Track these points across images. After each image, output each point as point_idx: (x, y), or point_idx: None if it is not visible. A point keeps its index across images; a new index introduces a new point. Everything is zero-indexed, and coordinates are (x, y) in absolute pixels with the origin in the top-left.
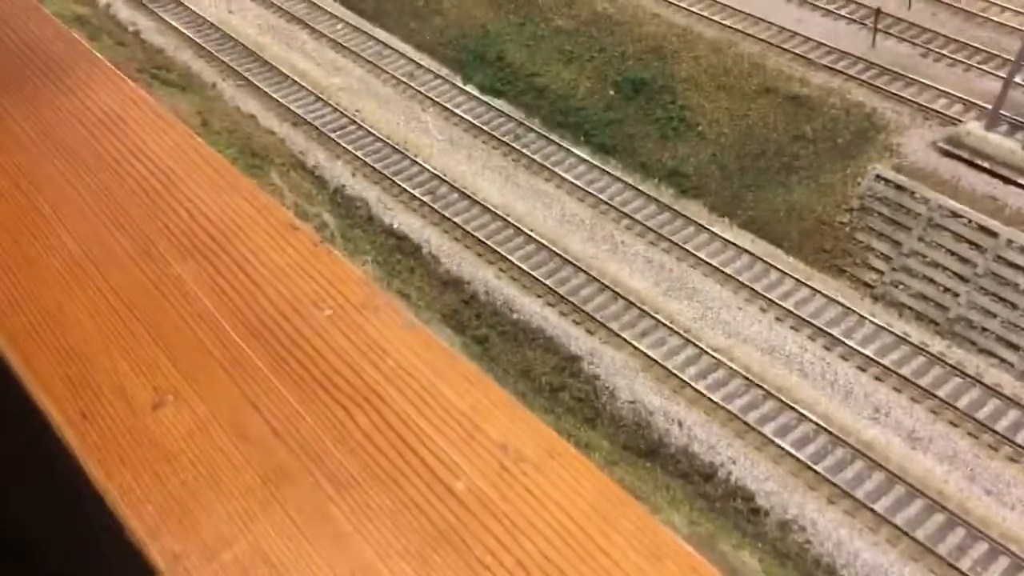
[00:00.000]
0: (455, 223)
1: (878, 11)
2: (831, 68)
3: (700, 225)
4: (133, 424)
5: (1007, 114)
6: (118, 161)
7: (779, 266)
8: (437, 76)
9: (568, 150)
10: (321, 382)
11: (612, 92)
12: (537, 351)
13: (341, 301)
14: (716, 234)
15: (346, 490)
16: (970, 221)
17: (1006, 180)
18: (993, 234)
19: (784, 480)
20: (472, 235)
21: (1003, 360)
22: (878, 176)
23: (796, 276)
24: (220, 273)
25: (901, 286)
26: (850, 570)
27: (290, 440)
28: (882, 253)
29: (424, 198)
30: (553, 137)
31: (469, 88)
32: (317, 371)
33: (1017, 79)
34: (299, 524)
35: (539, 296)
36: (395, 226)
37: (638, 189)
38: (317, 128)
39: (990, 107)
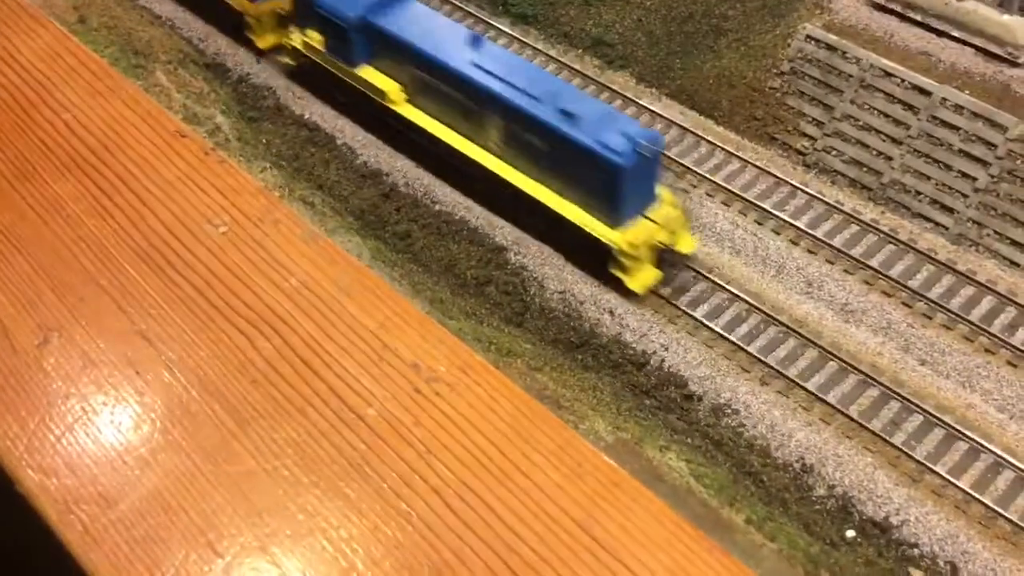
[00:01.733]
0: (369, 112)
1: None
2: None
3: (627, 98)
4: (16, 366)
5: None
6: None
7: (710, 138)
8: None
9: (486, 22)
10: (218, 307)
11: None
12: (462, 244)
13: (236, 215)
14: (644, 107)
15: (249, 424)
16: (903, 80)
17: (939, 32)
18: (926, 93)
19: (717, 364)
20: (384, 124)
21: (937, 224)
22: (808, 36)
23: (727, 148)
24: (103, 191)
25: (834, 152)
26: (784, 451)
27: (187, 374)
28: (814, 118)
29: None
30: (469, 8)
31: None
32: (213, 295)
33: None
34: (199, 464)
35: (457, 186)
36: (306, 116)
37: (561, 61)
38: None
39: None
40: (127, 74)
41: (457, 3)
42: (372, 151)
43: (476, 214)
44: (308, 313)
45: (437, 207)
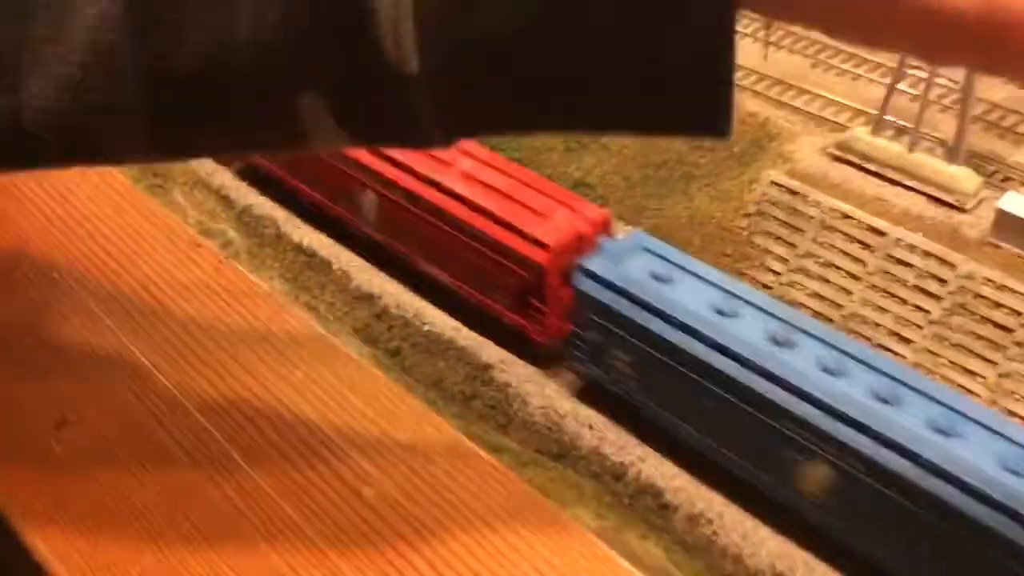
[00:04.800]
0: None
1: (769, 24)
2: None
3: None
4: (35, 445)
5: (891, 119)
6: (16, 185)
7: None
8: None
9: None
10: (229, 397)
11: None
12: (449, 361)
13: (248, 316)
14: None
15: (255, 502)
16: (860, 222)
17: (892, 182)
18: (881, 233)
19: (691, 477)
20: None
21: (896, 353)
22: (772, 182)
23: None
24: (123, 294)
25: (798, 286)
26: (756, 559)
27: (197, 455)
28: (779, 255)
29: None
30: None
31: None
32: (224, 386)
33: (900, 86)
34: (207, 537)
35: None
36: (305, 244)
37: None
38: None
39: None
40: (146, 193)
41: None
42: (366, 276)
43: (464, 335)
44: (312, 403)
45: (427, 327)
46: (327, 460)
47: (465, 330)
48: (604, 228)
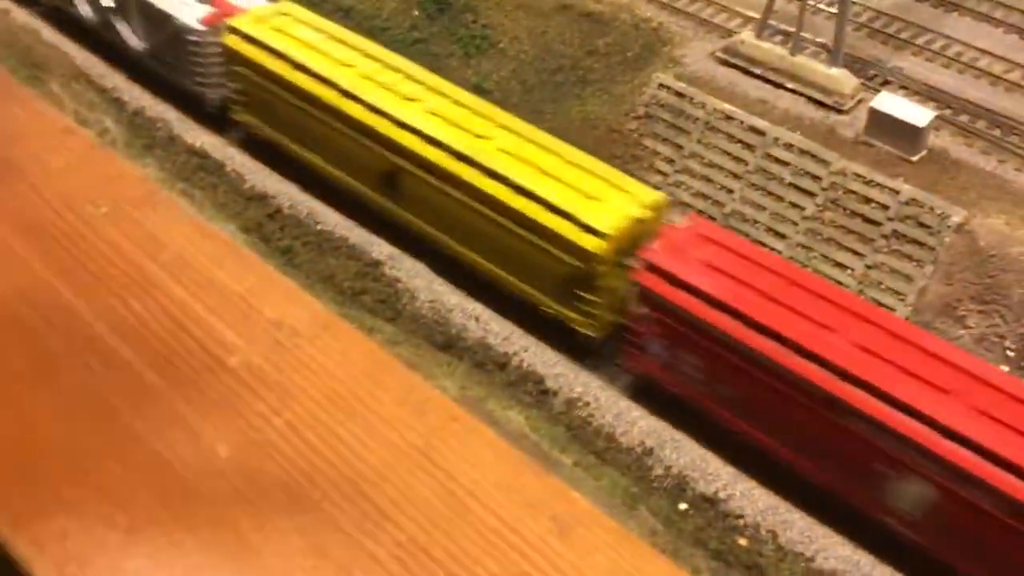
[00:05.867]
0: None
1: None
2: None
3: None
4: None
5: (775, 23)
6: None
7: None
8: None
9: None
10: (95, 274)
11: (417, 12)
12: (340, 259)
13: (118, 199)
14: None
15: (118, 371)
16: (742, 122)
17: (776, 84)
18: (761, 133)
19: (572, 363)
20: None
21: (772, 249)
22: (660, 84)
23: None
24: None
25: (683, 186)
26: (627, 436)
27: (63, 330)
28: (666, 156)
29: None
30: None
31: None
32: (92, 264)
33: None
34: (70, 405)
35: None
36: (198, 145)
37: None
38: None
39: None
40: (24, 83)
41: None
42: (260, 176)
43: (356, 233)
44: (180, 280)
45: (319, 226)
46: (192, 332)
47: (358, 229)
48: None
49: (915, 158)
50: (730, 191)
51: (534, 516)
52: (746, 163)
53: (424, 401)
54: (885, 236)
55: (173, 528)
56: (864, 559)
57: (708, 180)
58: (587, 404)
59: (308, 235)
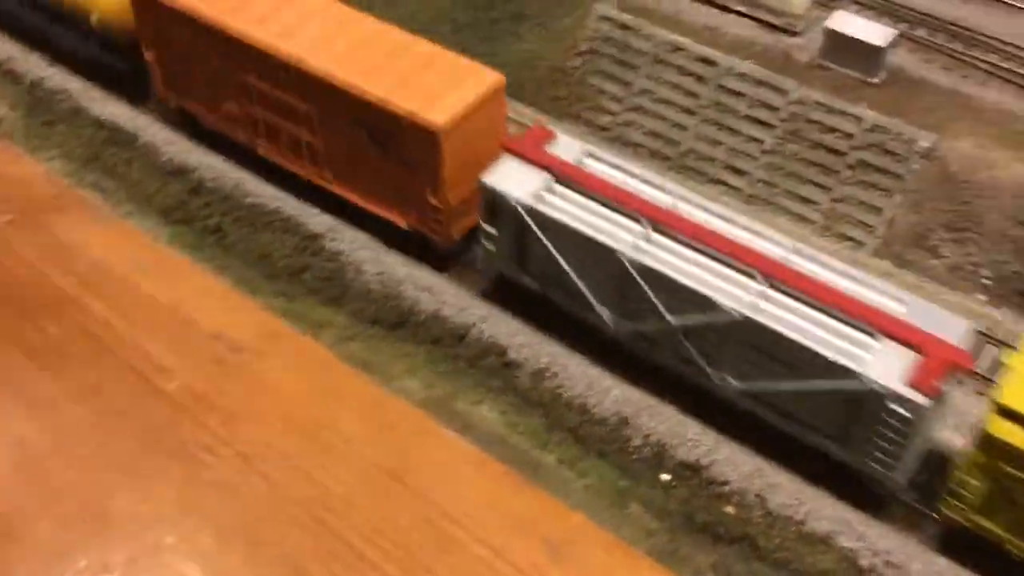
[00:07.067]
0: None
1: None
2: None
3: None
4: None
5: None
6: None
7: (516, 118)
8: None
9: None
10: (2, 294)
11: None
12: (276, 234)
13: (22, 204)
14: None
15: (39, 409)
16: (692, 53)
17: (723, 8)
18: (713, 63)
19: (535, 332)
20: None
21: (731, 187)
22: (602, 16)
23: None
24: None
25: (634, 125)
26: (601, 407)
27: None
28: (614, 95)
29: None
30: None
31: None
32: None
33: None
34: None
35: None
36: (104, 117)
37: None
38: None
39: None
40: None
41: None
42: (177, 148)
43: (291, 205)
44: (100, 294)
45: (249, 199)
46: (120, 355)
47: (291, 199)
48: None
49: (876, 80)
50: (684, 128)
51: (524, 538)
52: (699, 97)
53: (390, 414)
54: (851, 166)
55: None
56: (855, 517)
57: (660, 118)
58: (555, 375)
59: (238, 210)
